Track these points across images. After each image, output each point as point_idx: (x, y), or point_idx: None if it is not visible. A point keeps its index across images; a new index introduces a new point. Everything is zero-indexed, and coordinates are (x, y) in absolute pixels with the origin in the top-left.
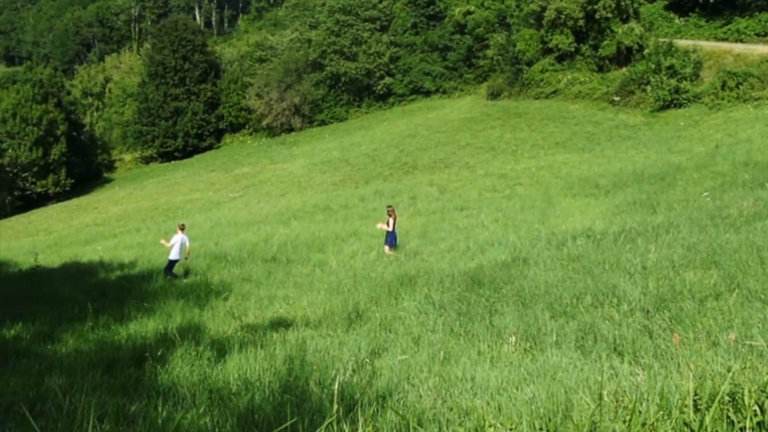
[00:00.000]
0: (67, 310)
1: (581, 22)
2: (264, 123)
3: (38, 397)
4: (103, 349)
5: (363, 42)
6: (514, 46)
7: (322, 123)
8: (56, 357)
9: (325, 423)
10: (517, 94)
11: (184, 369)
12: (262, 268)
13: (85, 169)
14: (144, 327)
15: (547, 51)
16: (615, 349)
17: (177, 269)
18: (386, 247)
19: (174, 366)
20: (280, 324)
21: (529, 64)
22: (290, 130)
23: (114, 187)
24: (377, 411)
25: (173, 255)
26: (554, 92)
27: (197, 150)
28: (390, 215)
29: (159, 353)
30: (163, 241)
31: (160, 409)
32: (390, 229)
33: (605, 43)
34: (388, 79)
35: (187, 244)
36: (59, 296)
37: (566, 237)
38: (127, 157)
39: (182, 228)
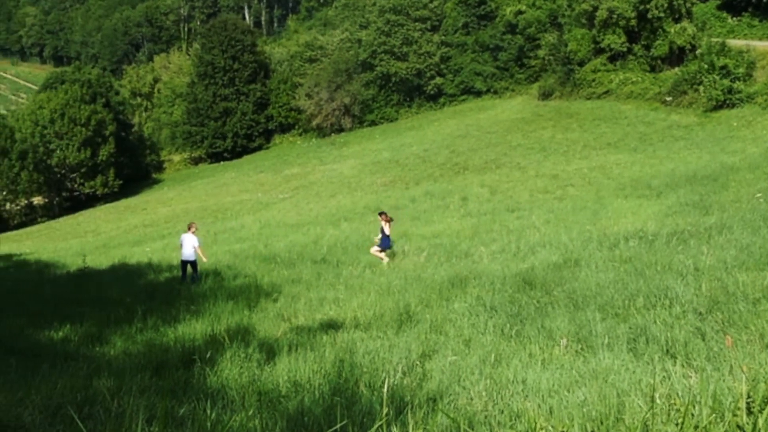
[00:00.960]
0: (116, 311)
1: (633, 22)
2: (314, 123)
3: (86, 400)
4: (152, 351)
5: (413, 42)
6: (566, 45)
7: (373, 123)
8: (104, 359)
9: (375, 426)
10: (569, 94)
11: (233, 371)
12: (312, 269)
13: (133, 170)
14: (193, 329)
15: (599, 51)
16: (667, 351)
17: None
18: (377, 249)
19: (223, 368)
20: (330, 326)
21: (581, 64)
22: (340, 130)
23: (163, 188)
24: (427, 414)
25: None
26: (606, 92)
27: (246, 150)
28: (386, 221)
29: (208, 355)
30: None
31: (208, 411)
32: (387, 234)
33: (657, 42)
34: (438, 80)
35: (195, 244)
36: (107, 298)
37: (618, 238)
38: (176, 157)
39: (189, 227)
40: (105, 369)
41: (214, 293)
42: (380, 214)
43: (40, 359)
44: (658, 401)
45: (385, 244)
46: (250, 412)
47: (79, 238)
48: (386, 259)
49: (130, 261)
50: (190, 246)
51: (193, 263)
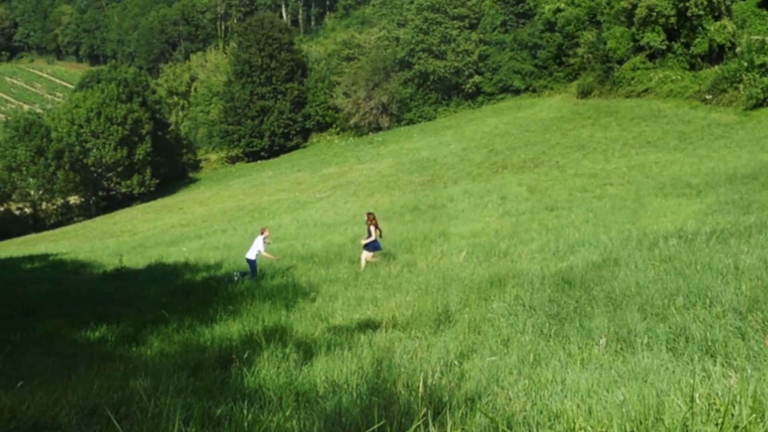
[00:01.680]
0: (152, 311)
1: (673, 20)
2: (351, 122)
3: (123, 400)
4: (189, 351)
5: (452, 40)
6: (605, 44)
7: (410, 122)
8: (141, 359)
9: (414, 426)
10: (608, 92)
11: (271, 371)
12: (350, 269)
13: (170, 169)
14: (230, 329)
15: (638, 49)
16: (707, 351)
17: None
18: (367, 254)
19: (260, 368)
20: (368, 325)
21: (620, 62)
22: (378, 129)
23: (199, 188)
24: (466, 414)
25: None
26: (645, 91)
27: (283, 149)
28: (370, 223)
29: (245, 355)
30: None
31: (245, 412)
32: (373, 238)
33: (697, 40)
34: (477, 78)
35: (259, 247)
36: (144, 298)
37: (658, 237)
38: (213, 156)
39: (262, 232)
40: (141, 369)
41: (252, 293)
42: (368, 215)
43: (77, 359)
44: (697, 401)
45: (374, 246)
46: (288, 413)
47: (116, 237)
48: (373, 260)
49: (167, 261)
50: (255, 247)
51: (252, 262)
